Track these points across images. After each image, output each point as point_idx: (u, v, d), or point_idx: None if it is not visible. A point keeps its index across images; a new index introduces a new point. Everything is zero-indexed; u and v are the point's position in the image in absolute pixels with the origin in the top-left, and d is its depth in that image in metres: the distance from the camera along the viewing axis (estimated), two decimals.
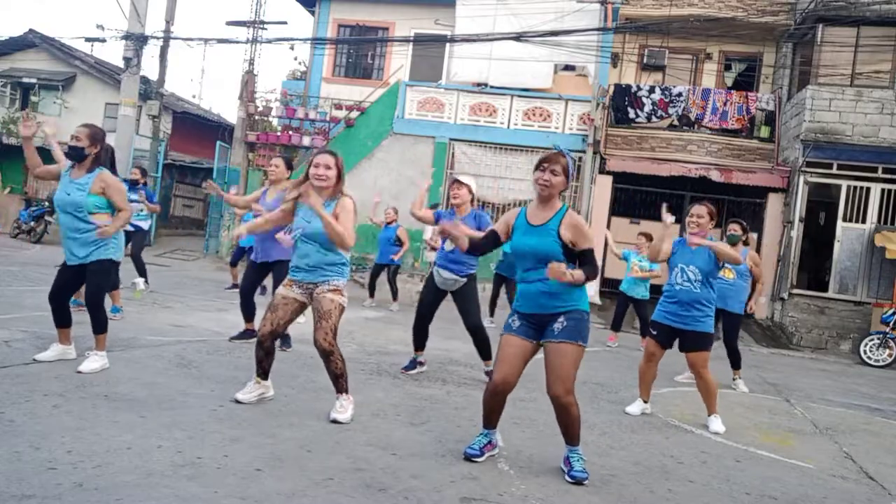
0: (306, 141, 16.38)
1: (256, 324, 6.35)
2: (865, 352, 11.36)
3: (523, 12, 15.71)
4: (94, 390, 4.15)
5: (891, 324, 11.23)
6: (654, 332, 5.24)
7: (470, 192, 5.82)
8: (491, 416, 3.77)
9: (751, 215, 14.77)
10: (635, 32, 15.97)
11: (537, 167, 3.67)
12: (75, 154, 4.69)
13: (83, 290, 4.85)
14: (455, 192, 5.77)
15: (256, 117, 17.17)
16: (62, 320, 4.75)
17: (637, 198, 15.75)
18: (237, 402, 4.23)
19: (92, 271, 4.67)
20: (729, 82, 16.81)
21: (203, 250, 17.37)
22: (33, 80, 22.18)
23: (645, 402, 5.41)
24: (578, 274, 3.48)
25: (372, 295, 11.31)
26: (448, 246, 5.78)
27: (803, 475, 4.23)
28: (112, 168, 4.96)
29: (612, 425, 4.91)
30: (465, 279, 5.78)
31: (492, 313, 10.14)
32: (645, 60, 16.37)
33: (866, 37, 13.45)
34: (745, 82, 16.53)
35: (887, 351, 11.19)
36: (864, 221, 13.42)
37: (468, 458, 3.68)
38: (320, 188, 4.17)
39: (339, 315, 4.16)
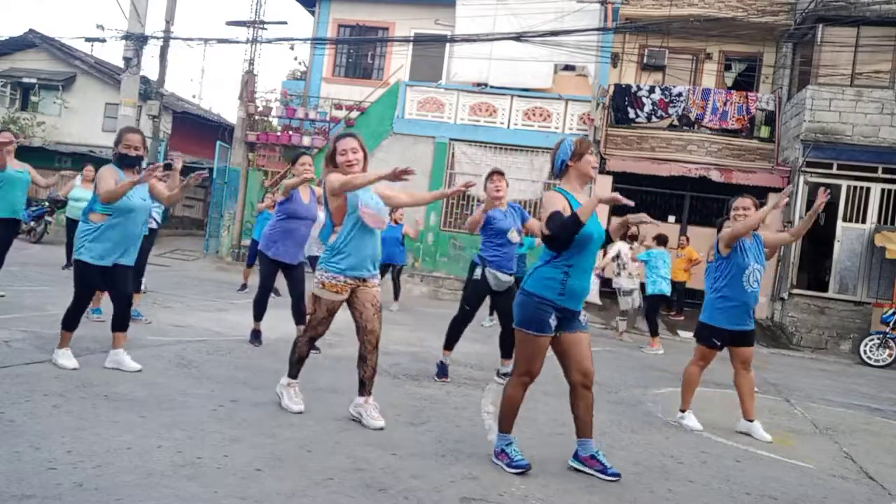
0: (306, 141, 16.36)
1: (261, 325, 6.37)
2: (865, 352, 11.35)
3: (523, 12, 15.71)
4: (94, 390, 4.15)
5: (891, 324, 11.22)
6: (719, 342, 5.01)
7: (507, 184, 5.76)
8: (514, 418, 3.72)
9: None
10: (635, 32, 15.96)
11: (586, 151, 3.64)
12: (135, 162, 4.79)
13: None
14: (498, 185, 5.64)
15: (256, 117, 17.16)
16: (77, 324, 4.80)
17: (637, 198, 15.72)
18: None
19: (129, 270, 4.82)
20: (729, 82, 16.81)
21: (203, 250, 17.36)
22: (33, 80, 22.18)
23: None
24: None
25: None
26: (515, 238, 5.63)
27: (803, 475, 4.23)
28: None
29: (612, 425, 4.90)
30: (511, 278, 5.71)
31: (492, 312, 10.14)
32: (645, 60, 16.35)
33: (866, 37, 13.44)
34: (745, 82, 16.52)
35: (887, 351, 11.18)
36: (864, 221, 13.41)
37: (525, 469, 3.56)
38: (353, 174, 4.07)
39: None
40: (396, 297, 11.37)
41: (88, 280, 4.70)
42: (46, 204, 16.06)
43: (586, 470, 3.65)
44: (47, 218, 15.94)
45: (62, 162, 20.61)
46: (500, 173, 5.71)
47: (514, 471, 3.56)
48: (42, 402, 3.78)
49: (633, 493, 3.52)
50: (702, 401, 6.14)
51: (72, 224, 10.86)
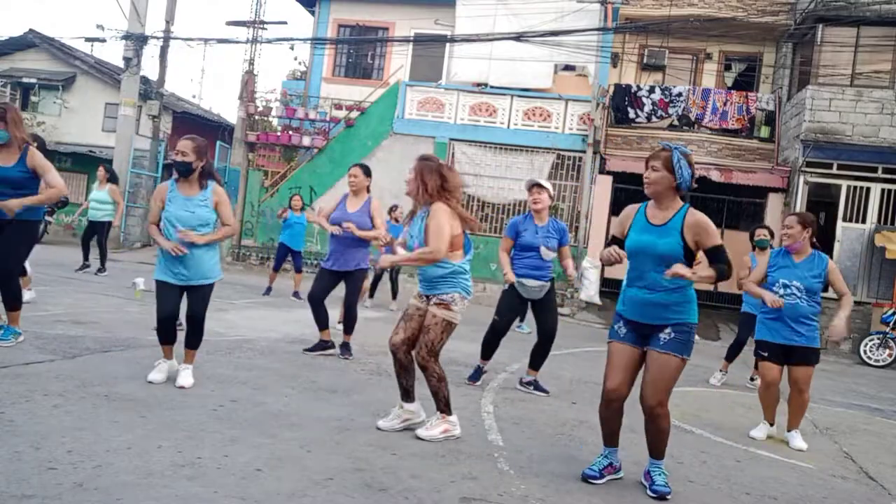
0: (306, 141, 16.38)
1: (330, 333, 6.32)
2: (865, 352, 11.36)
3: (523, 12, 15.71)
4: (94, 390, 4.15)
5: (891, 324, 11.23)
6: (765, 354, 5.01)
7: (550, 197, 5.61)
8: (609, 432, 3.65)
9: (751, 215, 14.78)
10: (635, 32, 15.96)
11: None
12: (183, 169, 4.54)
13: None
14: (536, 198, 5.54)
15: (256, 117, 17.16)
16: (169, 338, 4.71)
17: (637, 198, 15.60)
18: (378, 429, 4.08)
19: (205, 291, 4.63)
20: (729, 82, 16.81)
21: None
22: (33, 80, 22.14)
23: (771, 424, 5.17)
24: (704, 271, 3.35)
25: (371, 295, 11.30)
26: (547, 255, 5.61)
27: (803, 475, 4.23)
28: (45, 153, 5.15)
29: None
30: (549, 283, 5.62)
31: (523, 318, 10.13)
32: (645, 60, 16.37)
33: (866, 37, 13.44)
34: (745, 82, 16.53)
35: (887, 351, 11.19)
36: (864, 221, 13.41)
37: (585, 479, 3.55)
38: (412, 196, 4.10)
39: (442, 331, 3.98)
40: (395, 296, 11.37)
41: (159, 295, 4.62)
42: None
43: (643, 482, 3.59)
44: (47, 218, 15.92)
45: (62, 162, 20.60)
46: (540, 186, 5.58)
47: (581, 477, 3.58)
48: (42, 402, 3.78)
49: (633, 492, 3.52)
50: (701, 401, 6.15)
51: (90, 226, 10.96)
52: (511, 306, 5.69)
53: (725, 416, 5.45)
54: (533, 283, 5.58)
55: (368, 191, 6.20)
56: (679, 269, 3.28)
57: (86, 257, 11.00)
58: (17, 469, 2.85)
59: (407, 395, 4.15)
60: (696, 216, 3.49)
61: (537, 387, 5.68)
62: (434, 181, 4.01)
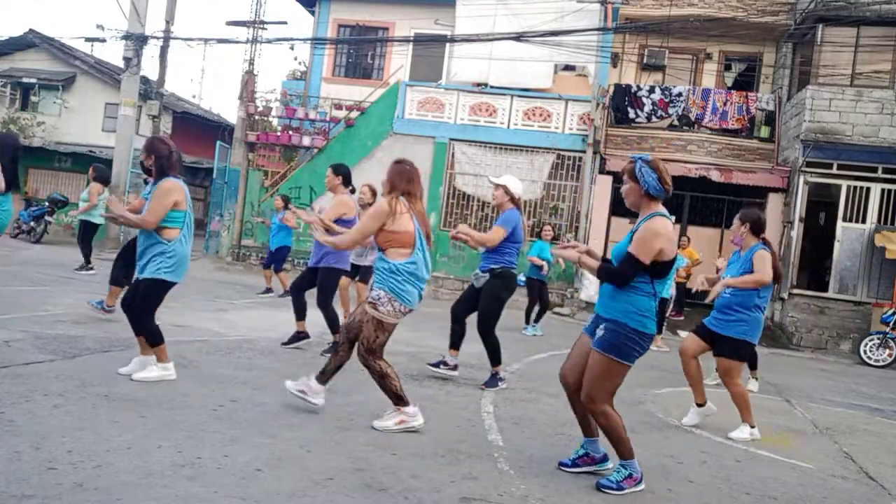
0: (306, 141, 16.37)
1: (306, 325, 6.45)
2: (865, 352, 11.36)
3: (523, 12, 15.71)
4: (94, 390, 4.15)
5: (891, 324, 11.23)
6: (695, 328, 5.28)
7: (507, 192, 5.71)
8: (580, 422, 3.76)
9: None
10: (635, 32, 15.96)
11: None
12: (143, 171, 4.89)
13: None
14: (493, 194, 5.86)
15: (256, 117, 17.16)
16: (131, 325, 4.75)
17: None
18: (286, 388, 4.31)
19: (142, 286, 4.64)
20: (729, 82, 16.80)
21: (203, 250, 17.35)
22: (33, 80, 22.15)
23: (700, 405, 5.20)
24: (588, 259, 3.52)
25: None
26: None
27: (803, 475, 4.23)
28: (13, 163, 5.19)
29: None
30: (486, 275, 5.68)
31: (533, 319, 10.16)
32: (645, 60, 16.36)
33: (866, 37, 13.44)
34: (745, 82, 16.52)
35: (887, 351, 11.19)
36: (864, 221, 13.41)
37: (559, 465, 3.73)
38: None
39: (374, 329, 3.99)
40: None
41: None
42: (46, 204, 16.08)
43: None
44: (47, 218, 15.95)
45: (62, 162, 20.63)
46: (496, 184, 5.82)
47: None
48: (42, 402, 3.78)
49: (633, 492, 3.52)
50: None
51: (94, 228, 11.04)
52: (466, 292, 5.94)
53: (726, 416, 5.44)
54: (478, 272, 5.82)
55: (351, 189, 6.33)
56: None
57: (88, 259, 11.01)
58: (17, 469, 2.85)
59: (322, 374, 4.29)
60: (650, 224, 3.40)
61: (444, 363, 5.82)
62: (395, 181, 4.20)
